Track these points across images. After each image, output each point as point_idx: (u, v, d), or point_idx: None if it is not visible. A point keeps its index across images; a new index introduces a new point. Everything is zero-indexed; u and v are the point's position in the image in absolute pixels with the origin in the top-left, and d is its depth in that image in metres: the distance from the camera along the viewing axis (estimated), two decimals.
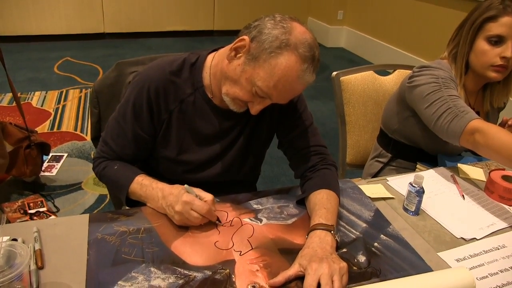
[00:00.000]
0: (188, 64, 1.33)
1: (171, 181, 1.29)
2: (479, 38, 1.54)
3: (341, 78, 1.96)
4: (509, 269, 1.14)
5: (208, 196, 1.19)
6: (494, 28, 1.49)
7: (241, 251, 1.11)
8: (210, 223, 1.20)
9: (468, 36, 1.56)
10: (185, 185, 1.19)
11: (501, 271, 1.13)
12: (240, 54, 1.18)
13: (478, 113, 1.66)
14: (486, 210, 1.39)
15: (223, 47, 1.33)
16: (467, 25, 1.57)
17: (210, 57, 1.34)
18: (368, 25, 6.28)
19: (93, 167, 1.41)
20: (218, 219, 1.21)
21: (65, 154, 3.23)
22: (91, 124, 1.72)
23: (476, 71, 1.59)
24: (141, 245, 1.10)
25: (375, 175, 1.97)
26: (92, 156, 3.18)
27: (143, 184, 1.27)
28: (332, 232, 1.12)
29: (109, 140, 1.37)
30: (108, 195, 2.70)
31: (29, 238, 1.08)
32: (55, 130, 3.64)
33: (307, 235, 1.14)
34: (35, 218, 2.45)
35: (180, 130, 1.35)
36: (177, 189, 1.20)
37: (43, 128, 3.65)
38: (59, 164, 3.09)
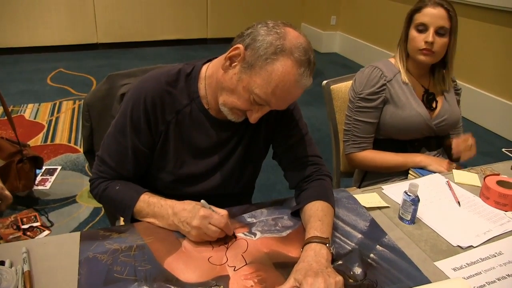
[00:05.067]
0: (184, 74, 1.31)
1: (169, 196, 1.27)
2: (411, 28, 1.77)
3: (331, 87, 1.96)
4: (506, 276, 1.13)
5: (223, 211, 1.17)
6: (419, 18, 1.72)
7: (235, 267, 1.10)
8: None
9: (404, 28, 1.80)
10: (202, 201, 1.18)
11: (499, 279, 1.12)
12: (235, 63, 1.17)
13: (433, 94, 1.86)
14: (482, 217, 1.38)
15: (216, 57, 1.31)
16: (404, 20, 1.80)
17: (204, 67, 1.32)
18: (361, 30, 6.30)
19: (91, 189, 1.36)
20: (234, 234, 1.21)
21: (59, 167, 3.21)
22: (83, 138, 1.70)
23: (411, 56, 1.80)
24: (134, 263, 1.08)
25: (363, 179, 1.99)
26: (87, 168, 3.16)
27: (150, 202, 1.25)
28: (327, 245, 1.11)
29: (106, 158, 1.33)
30: (103, 209, 2.68)
31: (18, 259, 1.06)
32: (48, 142, 3.61)
33: (302, 248, 1.12)
34: (28, 233, 2.43)
35: (177, 142, 1.33)
36: (190, 204, 1.19)
37: (37, 140, 3.63)
38: (53, 178, 3.07)
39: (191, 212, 1.16)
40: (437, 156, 1.88)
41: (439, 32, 1.70)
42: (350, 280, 1.07)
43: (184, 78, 1.30)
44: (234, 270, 1.09)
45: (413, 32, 1.74)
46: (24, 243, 1.13)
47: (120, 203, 1.30)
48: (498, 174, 1.55)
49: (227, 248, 1.16)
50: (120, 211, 1.32)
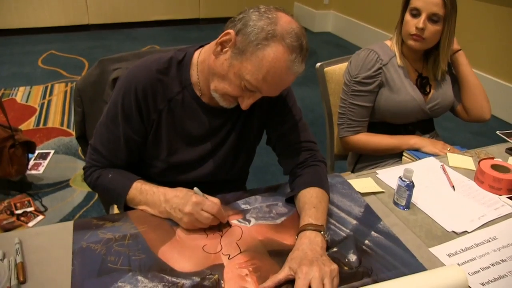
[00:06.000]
0: (175, 61, 1.29)
1: (162, 183, 1.27)
2: (406, 11, 1.74)
3: (325, 69, 1.94)
4: (500, 262, 1.13)
5: (216, 199, 1.17)
6: (414, 2, 1.69)
7: (229, 255, 1.09)
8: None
9: (401, 11, 1.77)
10: (195, 188, 1.18)
11: (493, 265, 1.12)
12: (227, 49, 1.15)
13: (426, 78, 1.85)
14: (477, 201, 1.38)
15: (208, 43, 1.29)
16: (402, 2, 1.78)
17: (196, 53, 1.30)
18: (355, 9, 6.24)
19: (85, 177, 1.37)
20: (228, 222, 1.20)
21: (52, 151, 3.18)
22: (76, 123, 1.69)
23: (404, 40, 1.78)
24: (128, 253, 1.08)
25: (357, 161, 1.99)
26: (80, 152, 3.14)
27: (143, 190, 1.25)
28: (322, 232, 1.10)
29: (99, 147, 1.32)
30: (97, 194, 2.67)
31: (11, 250, 1.05)
32: (41, 126, 3.58)
33: (297, 236, 1.12)
34: (22, 218, 2.42)
35: (170, 130, 1.32)
36: (182, 191, 1.19)
37: (29, 124, 3.59)
38: (46, 162, 3.05)
39: (183, 199, 1.16)
40: (431, 138, 1.88)
41: (432, 18, 1.67)
42: (345, 268, 1.07)
43: (176, 65, 1.28)
44: (228, 258, 1.08)
45: (407, 16, 1.72)
46: (16, 233, 1.13)
47: (113, 191, 1.30)
48: (493, 158, 1.55)
49: (221, 236, 1.16)
50: (113, 199, 1.32)
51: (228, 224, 1.20)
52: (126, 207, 1.28)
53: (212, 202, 1.15)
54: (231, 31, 1.14)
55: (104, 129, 1.31)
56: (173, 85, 1.28)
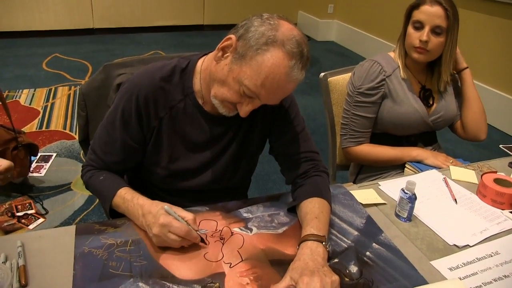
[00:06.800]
0: (179, 69, 1.29)
1: (163, 190, 1.26)
2: (409, 24, 1.75)
3: (329, 79, 1.94)
4: (503, 277, 1.12)
5: (189, 216, 1.13)
6: (416, 15, 1.71)
7: (231, 263, 1.09)
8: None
9: (403, 24, 1.79)
10: (165, 206, 1.13)
11: (495, 280, 1.11)
12: (227, 54, 1.16)
13: (430, 90, 1.86)
14: (479, 215, 1.38)
15: (212, 51, 1.30)
16: (404, 15, 1.79)
17: (200, 61, 1.31)
18: (359, 18, 6.27)
19: (82, 175, 1.38)
20: (202, 240, 1.15)
21: (54, 154, 3.19)
22: (79, 127, 1.70)
23: (407, 52, 1.79)
24: (129, 259, 1.08)
25: (359, 172, 2.00)
26: (82, 156, 3.15)
27: (125, 199, 1.23)
28: (323, 243, 1.10)
29: (96, 149, 1.33)
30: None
31: (13, 253, 1.06)
32: (43, 129, 3.59)
33: (298, 246, 1.12)
34: (23, 220, 2.42)
35: (171, 137, 1.32)
36: (156, 207, 1.15)
37: (32, 127, 3.60)
38: (48, 165, 3.05)
39: (154, 217, 1.12)
40: (433, 151, 1.88)
41: (435, 31, 1.68)
42: (346, 279, 1.07)
43: (179, 73, 1.29)
44: (230, 266, 1.08)
45: (410, 29, 1.73)
46: (19, 236, 1.12)
47: (101, 195, 1.30)
48: (495, 172, 1.55)
49: (223, 244, 1.16)
50: (102, 202, 1.32)
51: (204, 242, 1.15)
52: (116, 213, 1.27)
53: (180, 224, 1.09)
54: (232, 36, 1.15)
55: (104, 132, 1.32)
56: (175, 93, 1.29)
